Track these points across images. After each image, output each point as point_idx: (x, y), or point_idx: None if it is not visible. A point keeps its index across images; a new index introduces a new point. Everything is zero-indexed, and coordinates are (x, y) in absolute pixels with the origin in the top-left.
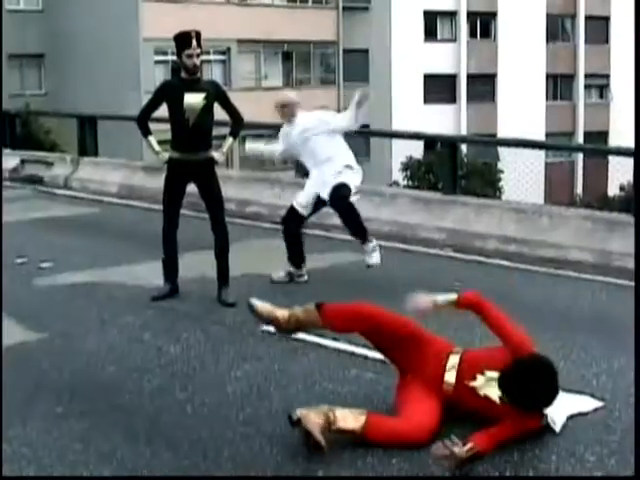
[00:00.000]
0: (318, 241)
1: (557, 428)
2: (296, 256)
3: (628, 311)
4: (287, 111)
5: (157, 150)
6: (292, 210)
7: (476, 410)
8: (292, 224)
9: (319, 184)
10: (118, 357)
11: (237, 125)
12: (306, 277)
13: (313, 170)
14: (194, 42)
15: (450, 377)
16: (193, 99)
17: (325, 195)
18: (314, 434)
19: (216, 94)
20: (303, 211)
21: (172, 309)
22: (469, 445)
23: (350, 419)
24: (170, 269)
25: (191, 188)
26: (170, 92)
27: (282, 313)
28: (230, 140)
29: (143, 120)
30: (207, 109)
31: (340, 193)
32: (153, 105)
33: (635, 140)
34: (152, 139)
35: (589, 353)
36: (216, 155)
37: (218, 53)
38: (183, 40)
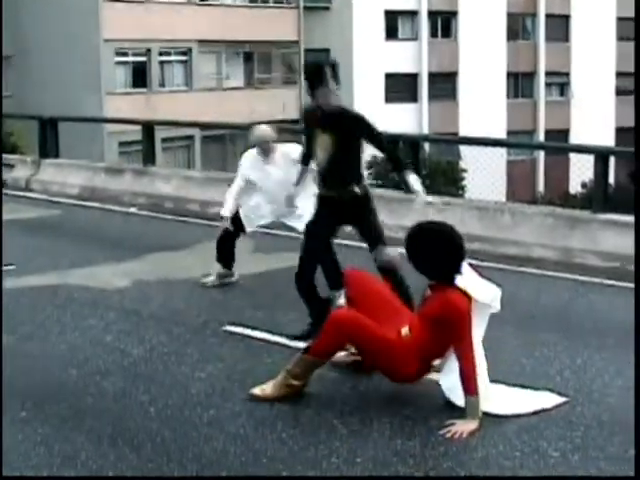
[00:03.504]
0: (285, 240)
1: (506, 411)
2: (226, 256)
3: (590, 307)
4: (270, 146)
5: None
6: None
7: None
8: (232, 232)
9: (281, 209)
10: (81, 360)
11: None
12: (236, 276)
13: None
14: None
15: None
16: None
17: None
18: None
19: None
20: (248, 227)
21: (135, 311)
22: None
23: None
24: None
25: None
26: None
27: (284, 384)
28: None
29: None
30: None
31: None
32: None
33: (635, 140)
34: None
35: (552, 349)
36: None
37: (179, 54)
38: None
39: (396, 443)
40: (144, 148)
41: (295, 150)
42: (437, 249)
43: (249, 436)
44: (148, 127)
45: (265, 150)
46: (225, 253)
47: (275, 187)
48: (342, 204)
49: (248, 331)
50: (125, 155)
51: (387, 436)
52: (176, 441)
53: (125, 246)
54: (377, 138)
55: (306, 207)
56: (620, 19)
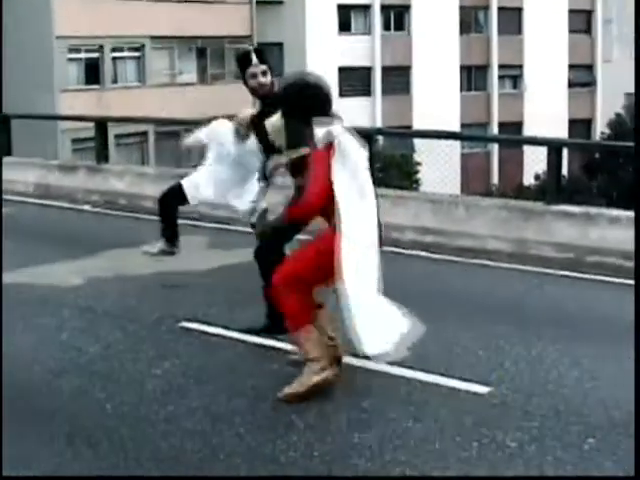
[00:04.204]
0: (239, 236)
1: (368, 349)
2: (169, 226)
3: (544, 299)
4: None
5: None
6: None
7: None
8: (174, 202)
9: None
10: (36, 359)
11: None
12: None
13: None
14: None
15: None
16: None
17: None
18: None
19: None
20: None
21: (89, 308)
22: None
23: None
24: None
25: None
26: None
27: (308, 374)
28: None
29: None
30: None
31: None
32: None
33: (635, 140)
34: None
35: (507, 341)
36: None
37: (132, 50)
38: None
39: (353, 436)
40: (97, 145)
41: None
42: (308, 95)
43: (206, 432)
44: (101, 124)
45: (242, 134)
46: (168, 222)
47: (229, 168)
48: None
49: (204, 327)
50: (79, 152)
51: (344, 429)
52: (133, 438)
53: (79, 243)
54: None
55: (251, 187)
56: (572, 11)
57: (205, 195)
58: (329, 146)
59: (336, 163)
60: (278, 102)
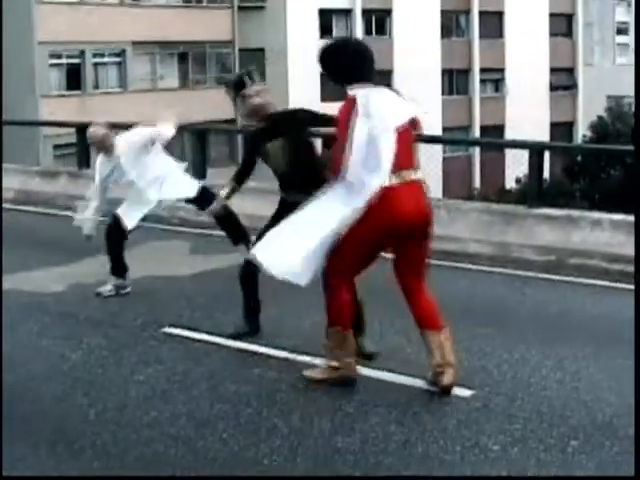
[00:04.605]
0: (220, 242)
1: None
2: (119, 266)
3: (526, 301)
4: (105, 144)
5: None
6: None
7: None
8: (116, 234)
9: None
10: (19, 365)
11: None
12: (129, 289)
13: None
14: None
15: None
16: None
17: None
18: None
19: None
20: (127, 224)
21: (71, 315)
22: None
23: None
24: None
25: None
26: None
27: (329, 367)
28: None
29: None
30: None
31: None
32: None
33: (635, 141)
34: None
35: (489, 344)
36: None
37: (113, 55)
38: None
39: (337, 440)
40: (79, 151)
41: (135, 132)
42: (344, 54)
43: (190, 437)
44: (82, 129)
45: (102, 148)
46: (116, 261)
47: (133, 173)
48: None
49: (187, 332)
50: (60, 158)
51: (327, 433)
52: (116, 444)
53: (61, 250)
54: (325, 116)
55: (177, 178)
56: (552, 15)
57: (141, 213)
58: (351, 102)
59: (358, 121)
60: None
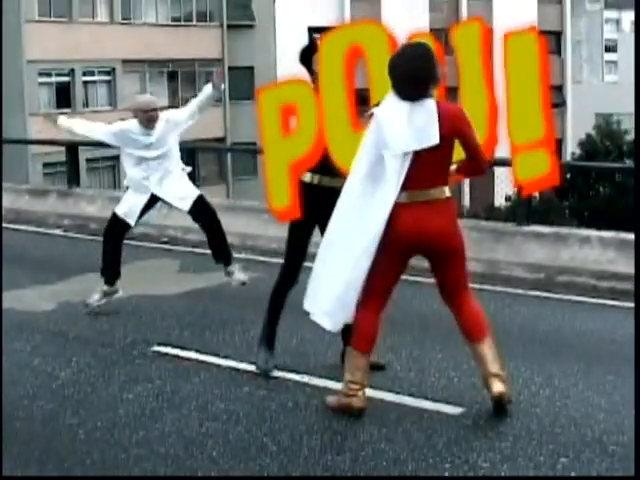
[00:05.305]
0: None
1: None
2: (111, 270)
3: (516, 318)
4: (155, 115)
5: None
6: (115, 219)
7: None
8: (116, 234)
9: (153, 186)
10: (8, 384)
11: None
12: (120, 292)
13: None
14: None
15: None
16: None
17: (183, 206)
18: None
19: None
20: (129, 220)
21: (61, 333)
22: None
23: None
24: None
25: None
26: None
27: (345, 393)
28: None
29: None
30: None
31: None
32: None
33: (635, 143)
34: None
35: None
36: None
37: (103, 74)
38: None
39: (326, 459)
40: (68, 169)
41: (177, 113)
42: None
43: (179, 456)
44: (72, 148)
45: (152, 119)
46: (110, 259)
47: (154, 161)
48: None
49: (176, 351)
50: (50, 177)
51: (317, 452)
52: (105, 463)
53: (51, 268)
54: None
55: (185, 188)
56: (541, 32)
57: (137, 208)
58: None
59: (369, 136)
60: None
